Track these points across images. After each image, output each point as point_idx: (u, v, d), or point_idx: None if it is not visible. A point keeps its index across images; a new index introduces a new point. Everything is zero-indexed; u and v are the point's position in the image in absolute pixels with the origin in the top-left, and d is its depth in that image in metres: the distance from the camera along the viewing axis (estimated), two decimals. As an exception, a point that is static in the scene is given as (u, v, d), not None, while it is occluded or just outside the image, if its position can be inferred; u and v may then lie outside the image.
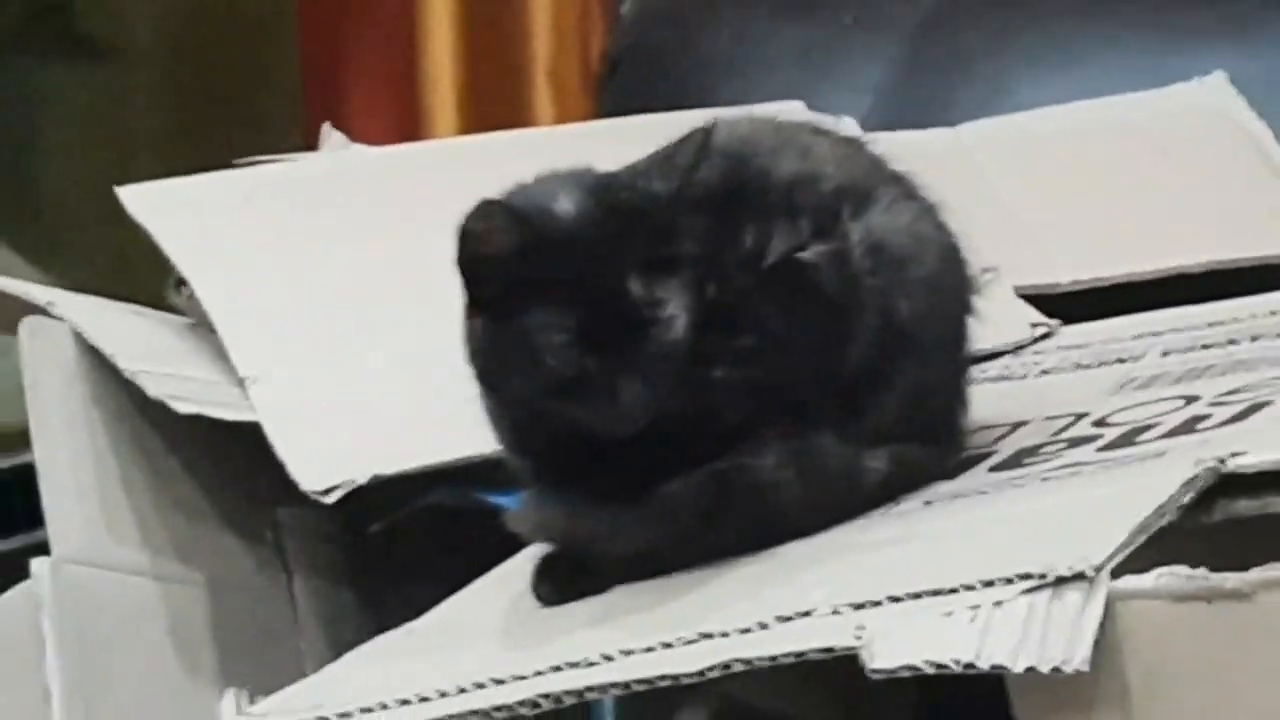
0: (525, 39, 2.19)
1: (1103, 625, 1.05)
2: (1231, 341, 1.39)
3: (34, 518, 1.46)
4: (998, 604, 1.07)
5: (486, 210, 1.20)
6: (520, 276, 1.20)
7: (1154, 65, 1.78)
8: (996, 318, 1.41)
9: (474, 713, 1.15)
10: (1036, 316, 1.53)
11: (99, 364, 1.46)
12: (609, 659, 1.14)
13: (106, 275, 1.60)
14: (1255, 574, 1.04)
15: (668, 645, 1.14)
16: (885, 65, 1.85)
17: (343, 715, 1.17)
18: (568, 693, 1.13)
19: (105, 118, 2.45)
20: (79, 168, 2.37)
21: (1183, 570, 1.05)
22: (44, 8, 2.50)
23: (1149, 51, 1.80)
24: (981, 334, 1.34)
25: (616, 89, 1.96)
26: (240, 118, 1.76)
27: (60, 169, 2.45)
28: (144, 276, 1.55)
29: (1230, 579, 1.04)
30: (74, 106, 2.51)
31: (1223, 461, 1.13)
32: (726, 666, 1.10)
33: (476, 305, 1.22)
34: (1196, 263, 1.60)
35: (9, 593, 1.44)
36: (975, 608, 1.07)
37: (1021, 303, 1.53)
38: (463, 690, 1.16)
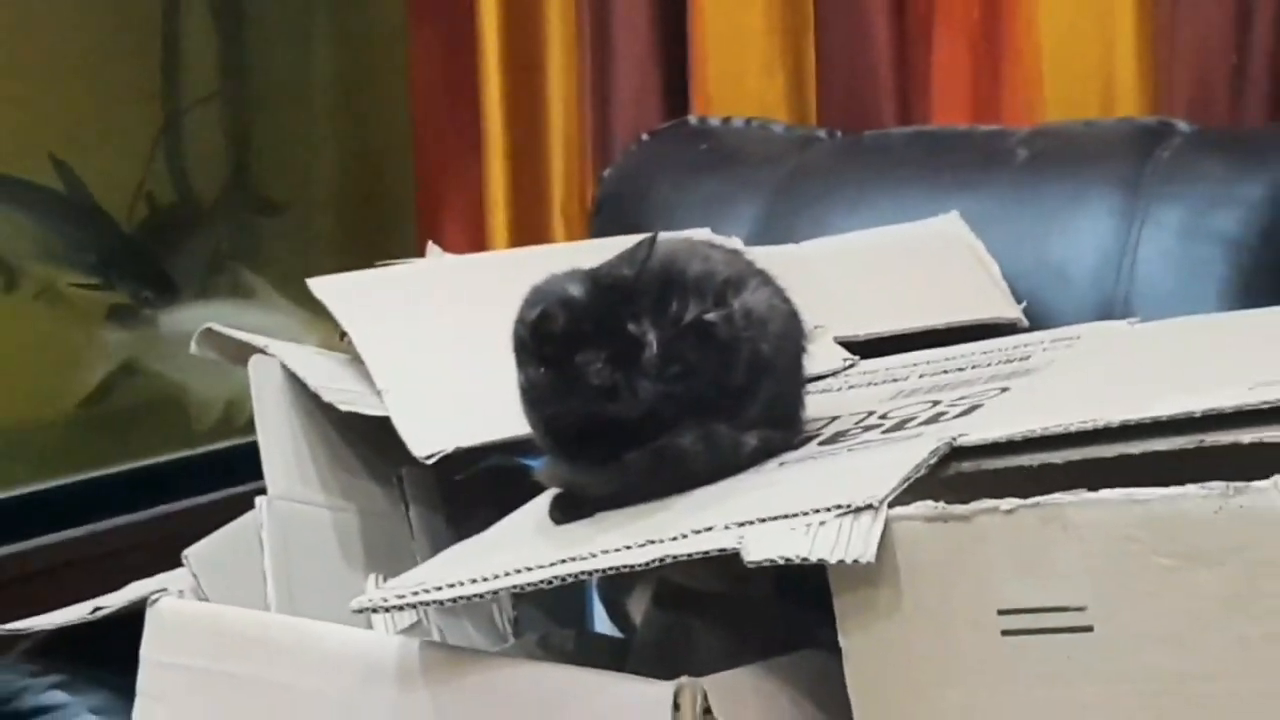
0: (549, 189, 2.16)
1: (883, 535, 1.05)
2: (959, 369, 1.38)
3: (259, 474, 1.45)
4: (821, 523, 1.06)
5: (541, 301, 1.21)
6: (562, 336, 1.20)
7: (914, 207, 1.74)
8: (821, 354, 1.41)
9: (512, 587, 1.14)
10: (844, 354, 1.51)
11: (296, 382, 1.46)
12: (593, 556, 1.13)
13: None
14: (972, 506, 1.03)
15: (628, 548, 1.13)
16: (759, 205, 1.82)
17: (434, 589, 1.17)
18: (568, 576, 1.12)
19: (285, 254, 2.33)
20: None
21: (930, 503, 1.05)
22: (236, 174, 2.42)
23: (910, 198, 1.76)
24: (812, 364, 1.33)
25: (602, 221, 1.94)
26: (375, 240, 1.73)
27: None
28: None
29: (958, 509, 1.04)
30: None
31: (954, 439, 1.13)
32: (662, 560, 1.09)
33: (536, 360, 1.21)
34: (941, 323, 1.58)
35: (243, 517, 1.43)
36: (808, 525, 1.07)
37: (836, 345, 1.51)
38: (506, 574, 1.15)
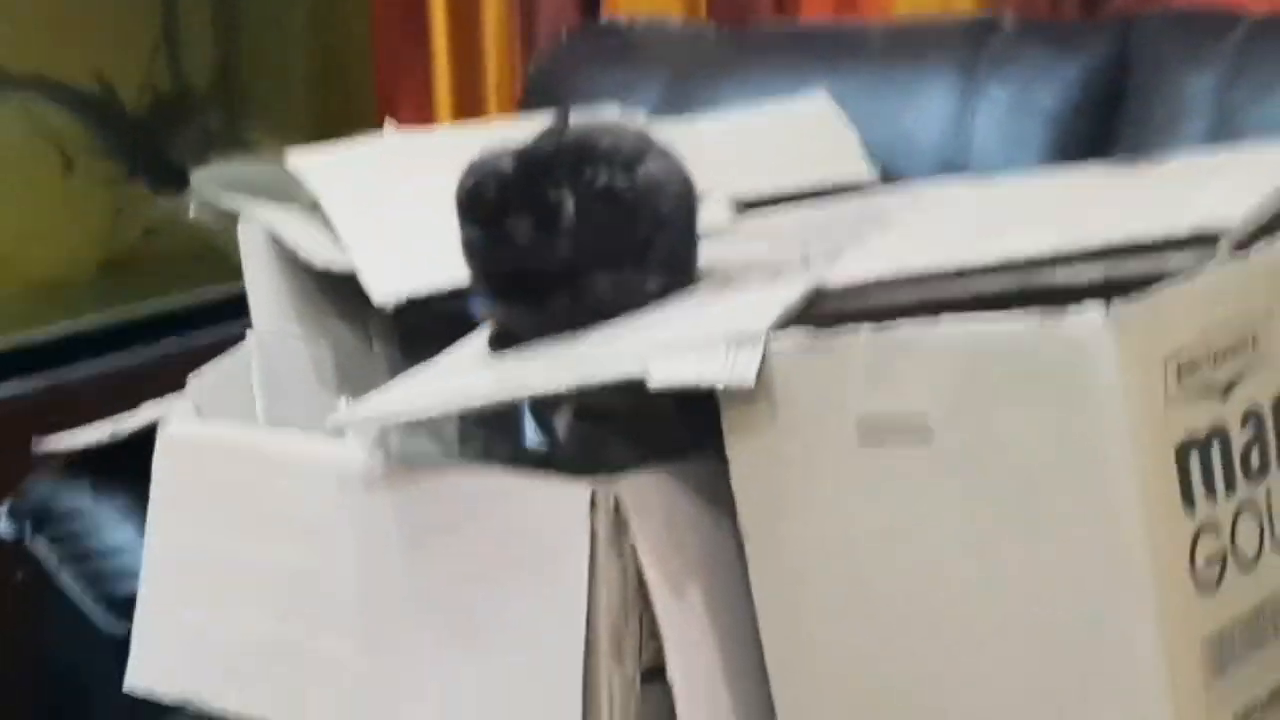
0: (485, 79, 2.15)
1: (761, 362, 1.03)
2: (826, 223, 1.36)
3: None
4: (712, 353, 1.04)
5: (475, 173, 1.18)
6: (494, 201, 1.17)
7: (788, 89, 1.72)
8: (712, 212, 1.38)
9: (458, 409, 1.14)
10: (730, 211, 1.48)
11: (277, 239, 1.42)
12: (524, 382, 1.12)
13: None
14: (838, 336, 1.02)
15: (553, 376, 1.11)
16: (658, 90, 1.80)
17: (393, 410, 1.16)
18: (504, 399, 1.12)
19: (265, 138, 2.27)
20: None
21: (800, 335, 1.03)
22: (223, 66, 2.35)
23: (785, 81, 1.74)
24: (704, 221, 1.29)
25: (529, 105, 1.91)
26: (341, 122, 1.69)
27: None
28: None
29: (823, 339, 1.02)
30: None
31: (821, 282, 1.11)
32: (580, 385, 1.08)
33: (474, 223, 1.19)
34: (812, 185, 1.55)
35: (237, 348, 1.41)
36: (701, 355, 1.05)
37: (724, 205, 1.47)
38: (453, 398, 1.13)
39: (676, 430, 1.21)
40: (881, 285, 1.08)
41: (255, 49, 2.36)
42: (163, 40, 2.25)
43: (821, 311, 1.10)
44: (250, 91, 2.35)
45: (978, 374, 0.97)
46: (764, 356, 1.03)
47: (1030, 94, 1.66)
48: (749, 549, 1.06)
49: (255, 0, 2.35)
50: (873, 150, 1.64)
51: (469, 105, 2.13)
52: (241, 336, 1.42)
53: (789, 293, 1.10)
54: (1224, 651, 0.99)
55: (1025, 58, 1.69)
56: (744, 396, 1.03)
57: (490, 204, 1.17)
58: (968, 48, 1.71)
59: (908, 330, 1.00)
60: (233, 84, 2.34)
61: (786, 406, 1.03)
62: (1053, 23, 1.82)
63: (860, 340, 1.01)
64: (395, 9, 2.20)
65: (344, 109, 2.31)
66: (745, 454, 1.05)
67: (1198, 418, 0.98)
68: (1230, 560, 1.00)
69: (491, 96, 2.13)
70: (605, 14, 2.03)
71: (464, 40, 2.13)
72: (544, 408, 1.38)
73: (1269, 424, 1.03)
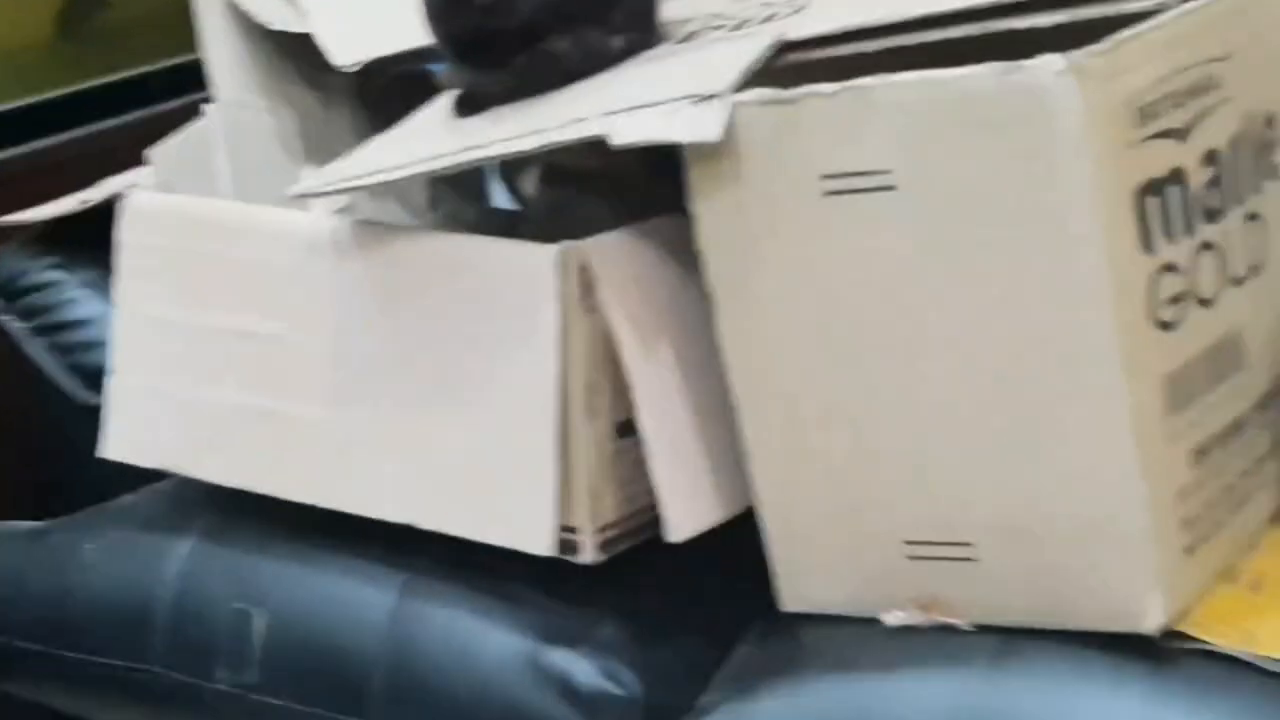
0: None
1: (727, 117, 1.03)
2: None
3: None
4: (677, 110, 1.04)
5: None
6: None
7: None
8: None
9: (423, 172, 1.14)
10: None
11: (232, 5, 1.42)
12: (490, 144, 1.12)
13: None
14: (798, 90, 1.02)
15: (519, 137, 1.11)
16: None
17: (358, 176, 1.16)
18: (470, 161, 1.12)
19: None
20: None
21: (765, 89, 1.03)
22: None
23: None
24: None
25: None
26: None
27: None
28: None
29: (787, 93, 1.02)
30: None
31: (785, 35, 1.11)
32: (545, 146, 1.08)
33: None
34: None
35: (197, 120, 1.41)
36: (666, 111, 1.05)
37: None
38: (419, 161, 1.14)
39: (644, 189, 1.23)
40: (844, 36, 1.08)
41: None
42: None
43: (785, 65, 1.10)
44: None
45: (940, 124, 0.98)
46: (729, 112, 1.03)
47: None
48: (716, 301, 1.07)
49: None
50: None
51: None
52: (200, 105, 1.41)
53: (752, 47, 1.10)
54: (1185, 387, 1.02)
55: None
56: (708, 152, 1.03)
57: None
58: None
59: (869, 83, 1.00)
60: None
61: (750, 162, 1.03)
62: None
63: (823, 94, 1.01)
64: None
65: None
66: (710, 209, 1.06)
67: (1158, 160, 1.00)
68: (1190, 299, 1.02)
69: None
70: None
71: None
72: (512, 170, 1.39)
73: (1228, 164, 1.05)
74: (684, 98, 1.05)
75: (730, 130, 1.03)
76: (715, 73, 1.07)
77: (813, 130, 1.01)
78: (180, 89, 1.70)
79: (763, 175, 1.04)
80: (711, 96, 1.04)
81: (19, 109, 1.92)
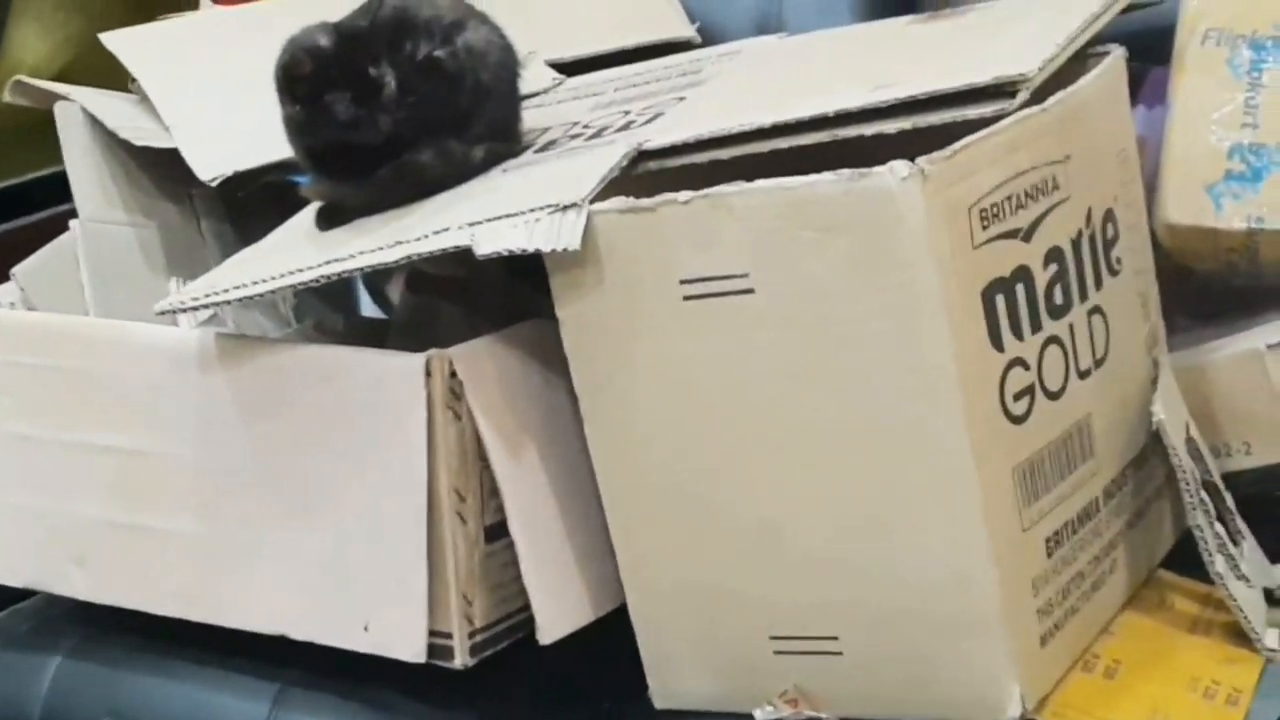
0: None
1: (586, 227, 1.07)
2: (645, 83, 1.38)
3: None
4: (537, 220, 1.08)
5: (292, 49, 1.20)
6: (312, 78, 1.19)
7: None
8: (534, 75, 1.41)
9: (288, 286, 1.15)
10: (553, 74, 1.50)
11: (96, 123, 1.43)
12: (353, 256, 1.14)
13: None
14: (656, 199, 1.06)
15: (381, 249, 1.13)
16: None
17: (224, 290, 1.17)
18: (334, 274, 1.13)
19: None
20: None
21: (622, 199, 1.07)
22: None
23: None
24: (527, 84, 1.33)
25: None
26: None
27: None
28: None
29: (645, 202, 1.06)
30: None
31: (641, 144, 1.14)
32: (409, 258, 1.11)
33: (293, 100, 1.20)
34: (631, 43, 1.58)
35: (61, 237, 1.42)
36: (527, 221, 1.08)
37: (546, 67, 1.50)
38: (283, 275, 1.15)
39: (507, 295, 1.27)
40: (700, 144, 1.12)
41: None
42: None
43: (643, 173, 1.13)
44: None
45: (793, 229, 1.02)
46: (588, 222, 1.06)
47: None
48: (583, 404, 1.10)
49: None
50: (690, 7, 1.66)
51: None
52: (61, 219, 1.43)
53: (610, 155, 1.13)
54: (1035, 477, 1.06)
55: None
56: (570, 260, 1.07)
57: (308, 81, 1.19)
58: None
59: (724, 190, 1.04)
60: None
61: (612, 268, 1.06)
62: None
63: (680, 201, 1.04)
64: None
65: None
66: (573, 315, 1.09)
67: (1002, 260, 1.05)
68: (1038, 392, 1.07)
69: None
70: None
71: None
72: (377, 278, 1.41)
73: (1070, 261, 1.10)
74: (544, 207, 1.08)
75: (589, 238, 1.06)
76: (574, 182, 1.10)
77: (671, 237, 1.05)
78: (47, 201, 1.70)
79: (623, 281, 1.07)
80: (570, 206, 1.07)
81: None
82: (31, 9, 2.20)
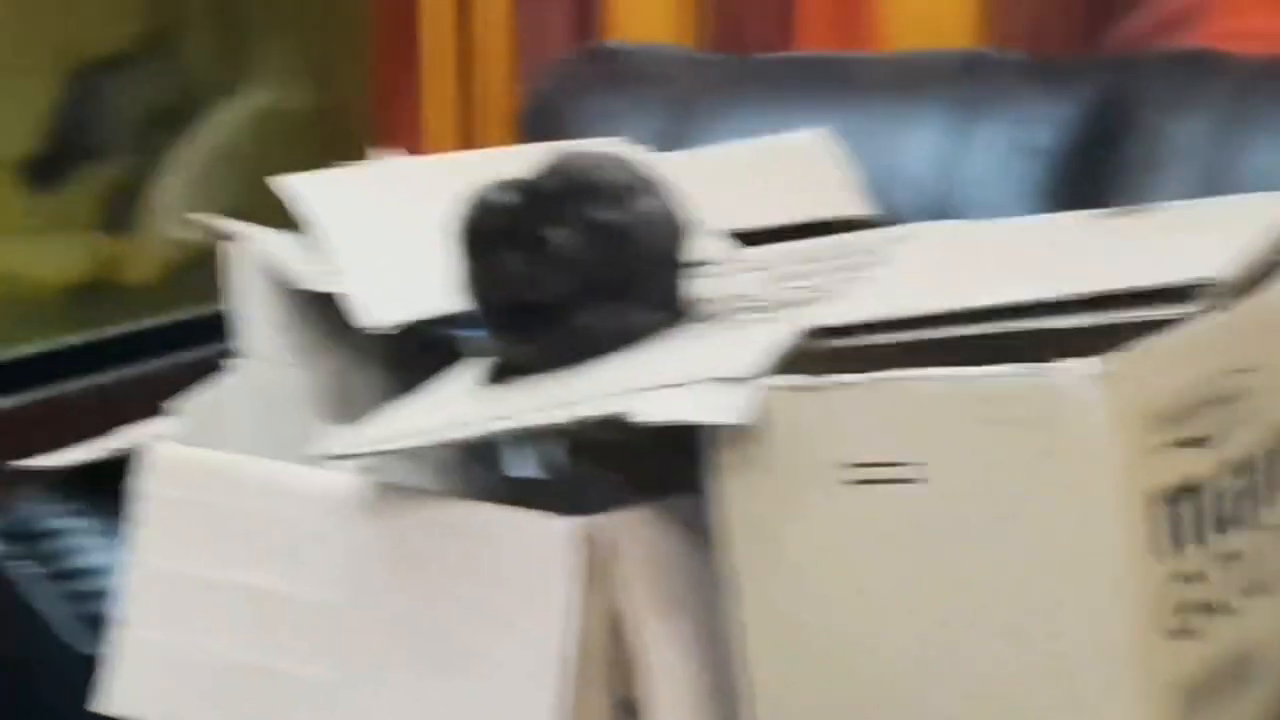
0: (481, 102, 2.15)
1: (753, 402, 1.05)
2: (820, 260, 1.35)
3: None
4: (702, 391, 1.06)
5: (472, 205, 1.20)
6: (491, 234, 1.19)
7: (788, 121, 1.72)
8: (706, 244, 1.39)
9: (449, 441, 1.16)
10: (724, 244, 1.48)
11: (265, 261, 1.44)
12: (517, 415, 1.14)
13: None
14: (829, 378, 1.04)
15: (545, 410, 1.13)
16: (660, 118, 1.81)
17: (383, 441, 1.17)
18: (497, 432, 1.14)
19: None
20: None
21: (794, 376, 1.05)
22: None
23: (786, 114, 1.76)
24: (697, 253, 1.31)
25: (526, 130, 1.92)
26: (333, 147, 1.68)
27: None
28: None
29: (816, 380, 1.04)
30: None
31: (816, 321, 1.13)
32: (572, 421, 1.11)
33: (471, 254, 1.21)
34: (807, 219, 1.55)
35: (222, 374, 1.42)
36: (691, 393, 1.07)
37: (718, 237, 1.48)
38: (445, 429, 1.15)
39: (662, 467, 1.22)
40: (874, 326, 1.11)
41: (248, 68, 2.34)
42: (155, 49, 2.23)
43: (813, 351, 1.12)
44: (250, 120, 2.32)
45: (970, 420, 1.00)
46: (754, 396, 1.04)
47: (1024, 132, 1.68)
48: (732, 582, 1.08)
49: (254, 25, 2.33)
50: (868, 187, 1.65)
51: (463, 131, 2.12)
52: (225, 356, 1.43)
53: (781, 331, 1.12)
54: (1195, 697, 1.02)
55: (1019, 94, 1.71)
56: (731, 435, 1.05)
57: (488, 237, 1.20)
58: (961, 82, 1.72)
59: (900, 375, 1.02)
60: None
61: (774, 447, 1.04)
62: (1048, 58, 1.83)
63: (853, 383, 1.03)
64: (393, 32, 2.18)
65: (336, 134, 2.31)
66: (731, 491, 1.05)
67: (1181, 468, 1.02)
68: (1204, 608, 1.03)
69: (486, 122, 2.13)
70: (603, 38, 2.03)
71: (461, 63, 2.12)
72: (534, 439, 1.40)
73: (1254, 475, 1.07)
74: (710, 379, 1.07)
75: (756, 415, 1.05)
76: (742, 355, 1.09)
77: (841, 419, 1.03)
78: (196, 341, 1.71)
79: (786, 460, 1.05)
80: (738, 379, 1.06)
81: (34, 355, 1.94)
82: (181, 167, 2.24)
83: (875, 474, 1.03)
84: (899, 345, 1.09)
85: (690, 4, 2.03)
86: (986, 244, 1.35)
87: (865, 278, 1.26)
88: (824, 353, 1.12)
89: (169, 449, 1.30)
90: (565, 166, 1.22)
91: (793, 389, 1.05)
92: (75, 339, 1.99)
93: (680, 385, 1.08)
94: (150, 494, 1.28)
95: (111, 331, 2.01)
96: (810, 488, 1.05)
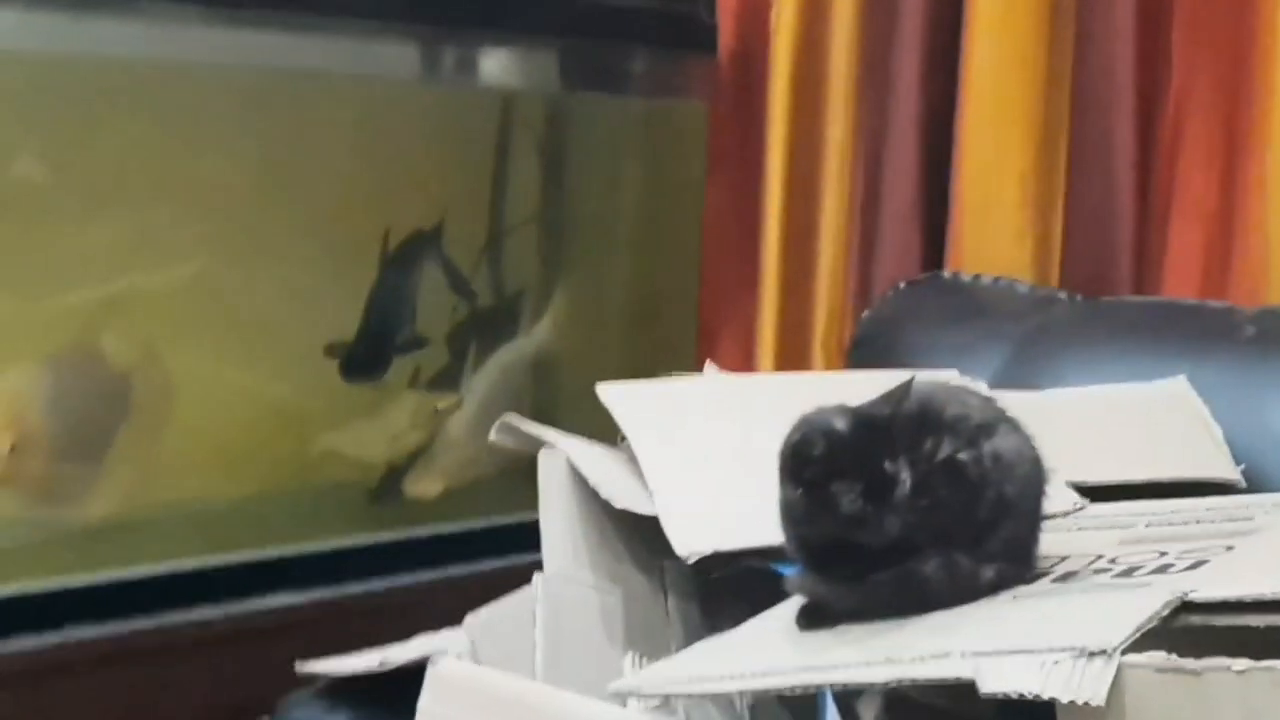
0: (813, 325, 2.08)
1: (1114, 680, 0.94)
2: (1184, 523, 1.26)
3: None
4: (1055, 662, 0.95)
5: (805, 428, 1.11)
6: (822, 464, 1.10)
7: (1144, 369, 1.62)
8: (1055, 495, 1.28)
9: (755, 689, 1.06)
10: (1076, 497, 1.39)
11: (578, 474, 1.37)
12: (833, 668, 1.04)
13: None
14: (1204, 661, 0.92)
15: (867, 665, 1.03)
16: (1002, 355, 1.71)
17: (685, 681, 1.09)
18: (808, 685, 1.03)
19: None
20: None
21: (1162, 654, 0.93)
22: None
23: (1141, 361, 1.65)
24: (1047, 506, 1.20)
25: (857, 357, 1.84)
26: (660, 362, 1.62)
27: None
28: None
29: (1189, 663, 0.92)
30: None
31: (1187, 593, 1.01)
32: (899, 681, 1.00)
33: (796, 484, 1.11)
34: (1165, 477, 1.45)
35: (520, 590, 1.34)
36: (1042, 663, 0.96)
37: (1068, 489, 1.39)
38: (751, 675, 1.06)
39: None
40: (1257, 605, 0.98)
41: (579, 276, 2.32)
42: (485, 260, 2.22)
43: (1184, 628, 0.99)
44: (570, 324, 2.30)
45: None
46: (1117, 674, 0.93)
47: None
48: None
49: (583, 231, 2.33)
50: (1235, 447, 1.53)
51: (793, 356, 2.06)
52: (523, 569, 1.35)
53: (1147, 601, 1.01)
54: None
55: None
56: (1089, 716, 0.93)
57: (818, 465, 1.10)
58: None
59: None
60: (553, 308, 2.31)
61: None
62: None
63: (1234, 671, 0.91)
64: (726, 245, 2.15)
65: (664, 347, 2.26)
66: None
67: None
68: None
69: (819, 345, 2.06)
70: (949, 269, 1.95)
71: (795, 286, 2.06)
72: (850, 695, 1.28)
73: None
74: (1065, 649, 0.96)
75: (1116, 694, 0.93)
76: (1103, 625, 0.98)
77: (1216, 710, 0.91)
78: (513, 549, 1.64)
79: None
80: (1098, 653, 0.95)
81: (336, 550, 1.91)
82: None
83: (1256, 780, 0.89)
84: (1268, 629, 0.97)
85: (1046, 237, 1.95)
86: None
87: (1241, 547, 1.15)
88: (1196, 631, 1.00)
89: (453, 666, 1.23)
90: (910, 396, 1.12)
91: (1159, 669, 0.93)
92: (375, 537, 1.95)
93: (1029, 653, 0.97)
94: (431, 712, 1.21)
95: (419, 532, 1.98)
96: (1176, 789, 0.91)
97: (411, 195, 2.06)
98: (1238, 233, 1.82)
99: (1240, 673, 0.90)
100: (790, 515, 1.13)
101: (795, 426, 1.11)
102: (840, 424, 1.11)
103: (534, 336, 2.24)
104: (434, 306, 2.12)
